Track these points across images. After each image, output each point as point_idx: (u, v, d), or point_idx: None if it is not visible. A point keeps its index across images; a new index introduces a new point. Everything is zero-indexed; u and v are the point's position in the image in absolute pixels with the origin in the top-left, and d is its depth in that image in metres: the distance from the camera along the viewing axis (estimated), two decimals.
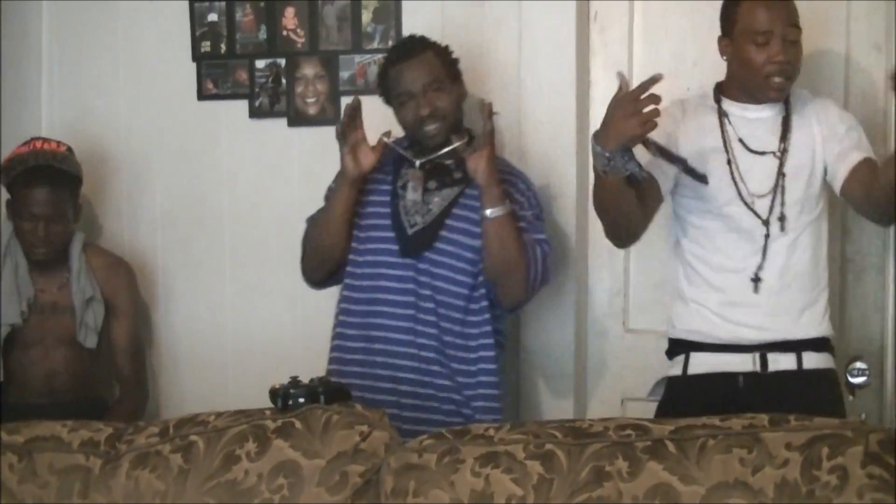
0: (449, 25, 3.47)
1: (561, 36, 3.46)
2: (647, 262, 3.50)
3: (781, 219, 2.84)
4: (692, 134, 2.93)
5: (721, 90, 2.97)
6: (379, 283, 3.08)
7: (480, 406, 3.04)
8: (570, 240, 3.46)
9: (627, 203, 2.80)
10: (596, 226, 3.47)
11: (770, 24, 2.81)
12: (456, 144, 3.02)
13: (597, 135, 2.66)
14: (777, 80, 2.84)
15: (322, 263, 3.16)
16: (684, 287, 2.97)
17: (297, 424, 2.35)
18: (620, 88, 2.63)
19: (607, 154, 2.62)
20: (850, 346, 3.24)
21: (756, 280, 2.84)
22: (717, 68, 3.32)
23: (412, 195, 3.06)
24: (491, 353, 3.07)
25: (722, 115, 2.93)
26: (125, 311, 3.63)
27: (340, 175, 3.07)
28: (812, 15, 3.26)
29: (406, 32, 3.52)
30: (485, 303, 3.07)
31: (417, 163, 3.06)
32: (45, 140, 3.53)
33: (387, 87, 3.12)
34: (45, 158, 3.45)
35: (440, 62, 3.10)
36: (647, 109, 2.57)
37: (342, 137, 3.01)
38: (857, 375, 3.05)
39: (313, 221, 3.17)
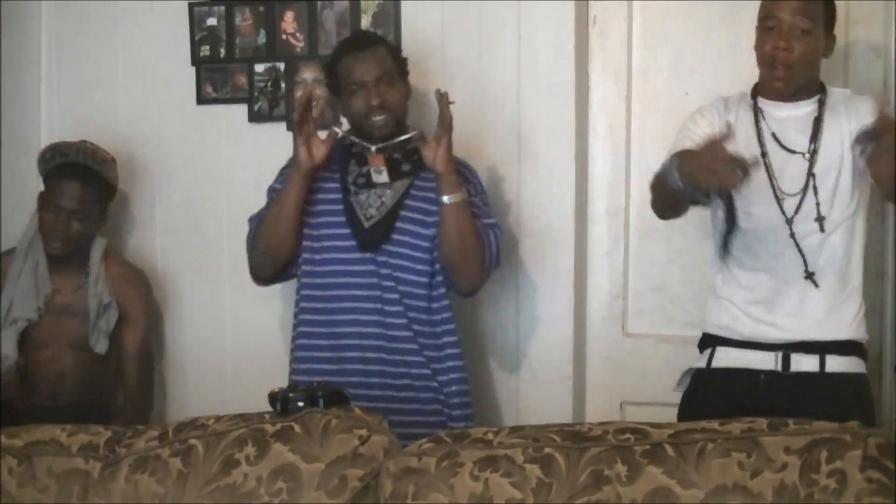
0: (448, 29, 3.48)
1: (560, 40, 3.46)
2: (646, 266, 3.51)
3: (819, 219, 2.81)
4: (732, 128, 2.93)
5: (756, 89, 2.97)
6: (341, 280, 3.11)
7: (455, 390, 3.13)
8: (568, 243, 3.46)
9: (681, 203, 2.78)
10: (594, 230, 3.50)
11: (779, 10, 2.81)
12: (412, 133, 3.07)
13: (678, 156, 2.64)
14: (778, 67, 2.83)
15: (273, 260, 3.16)
16: (718, 284, 2.97)
17: (297, 428, 2.35)
18: (724, 137, 2.56)
19: (680, 182, 2.60)
20: None
21: (809, 275, 2.82)
22: (716, 73, 3.35)
23: (379, 178, 3.09)
24: (454, 338, 3.15)
25: (757, 111, 2.93)
26: (137, 319, 3.63)
27: (292, 169, 3.10)
28: None
29: (406, 36, 3.54)
30: (443, 289, 3.14)
31: (373, 148, 3.07)
32: (94, 145, 3.57)
33: (336, 78, 3.16)
34: (84, 157, 3.48)
35: (391, 58, 3.17)
36: (729, 172, 2.50)
37: (298, 128, 3.04)
38: None
39: (261, 220, 3.17)
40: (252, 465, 2.33)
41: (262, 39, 3.71)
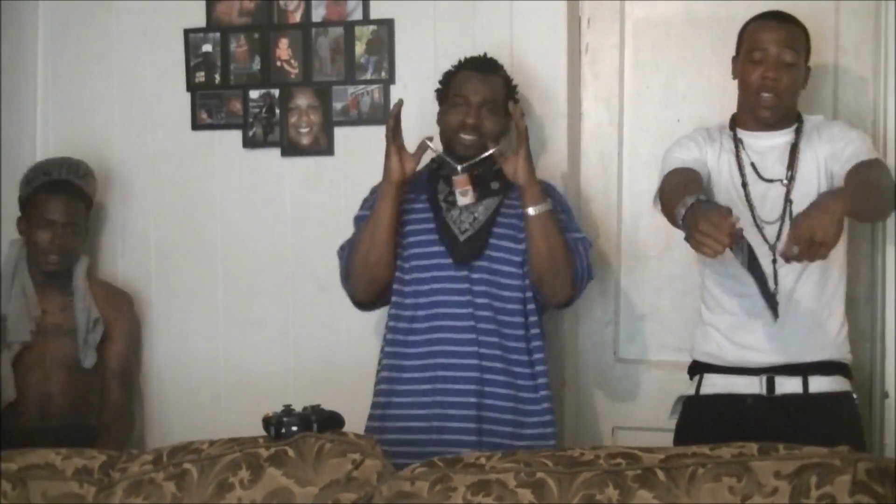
0: (441, 58, 3.49)
1: (553, 68, 3.50)
2: (638, 292, 3.53)
3: None
4: (712, 159, 3.01)
5: (735, 120, 3.04)
6: (437, 298, 3.09)
7: (537, 421, 3.08)
8: None
9: None
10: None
11: (766, 43, 2.91)
12: (492, 150, 3.05)
13: (690, 207, 2.67)
14: (765, 95, 2.92)
15: (373, 281, 3.13)
16: (703, 311, 3.03)
17: (290, 452, 2.36)
18: (724, 214, 2.58)
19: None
20: None
21: (773, 306, 2.81)
22: (706, 100, 3.38)
23: (464, 199, 3.09)
24: (543, 355, 3.12)
25: (737, 142, 3.00)
26: (121, 335, 3.66)
27: (383, 182, 3.06)
28: None
29: (399, 64, 3.57)
30: (533, 305, 3.12)
31: (459, 167, 3.08)
32: (74, 159, 3.64)
33: (447, 86, 3.18)
34: (68, 172, 3.54)
35: (505, 91, 3.19)
36: (709, 236, 2.55)
37: (390, 140, 3.03)
38: None
39: (355, 243, 3.14)
40: (246, 490, 2.34)
41: (256, 66, 3.73)
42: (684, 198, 2.69)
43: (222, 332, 3.76)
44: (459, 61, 3.23)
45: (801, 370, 2.88)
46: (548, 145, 3.49)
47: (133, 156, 3.86)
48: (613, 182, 3.57)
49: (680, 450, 2.22)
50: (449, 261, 3.09)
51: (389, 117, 3.04)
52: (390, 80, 3.62)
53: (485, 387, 3.05)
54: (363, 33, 3.63)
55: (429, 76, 3.50)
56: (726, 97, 3.22)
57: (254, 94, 3.73)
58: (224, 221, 3.73)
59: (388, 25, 3.61)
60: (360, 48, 3.63)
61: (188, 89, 3.79)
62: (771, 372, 2.89)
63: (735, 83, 3.05)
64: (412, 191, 3.16)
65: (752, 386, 2.90)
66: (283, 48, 3.71)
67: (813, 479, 2.06)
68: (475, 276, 3.08)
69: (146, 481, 2.42)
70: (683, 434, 2.98)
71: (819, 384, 2.89)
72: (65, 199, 3.52)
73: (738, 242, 2.60)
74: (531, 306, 3.10)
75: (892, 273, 3.29)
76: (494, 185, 3.14)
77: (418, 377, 3.08)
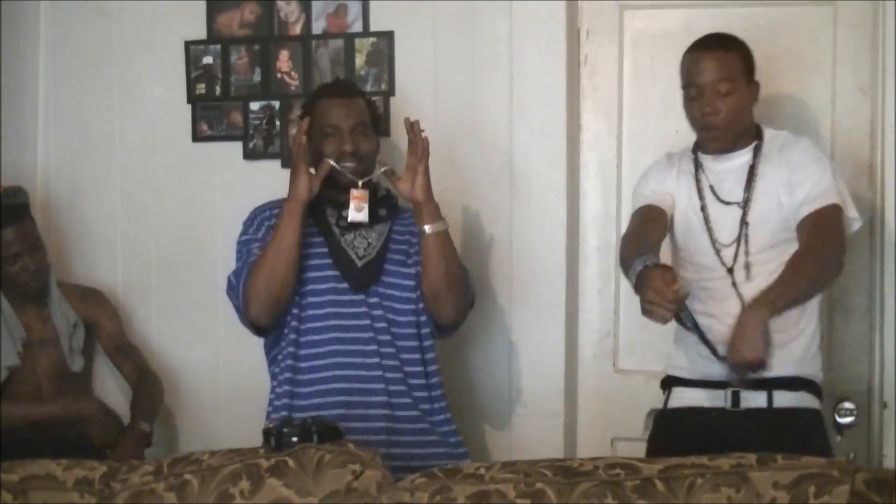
0: (441, 68, 3.52)
1: (552, 80, 3.51)
2: (637, 303, 3.53)
3: (746, 267, 2.88)
4: (674, 183, 3.02)
5: (697, 144, 3.04)
6: (336, 323, 3.06)
7: (449, 430, 3.11)
8: (559, 282, 3.50)
9: None
10: (586, 267, 3.53)
11: (698, 76, 2.90)
12: (385, 168, 3.09)
13: (636, 274, 2.74)
14: (709, 132, 2.92)
15: (278, 303, 3.03)
16: (676, 327, 3.00)
17: (291, 463, 2.37)
18: (667, 281, 2.64)
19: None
20: (838, 386, 3.27)
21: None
22: None
23: (357, 215, 3.04)
24: (439, 379, 3.14)
25: (697, 166, 3.00)
26: (107, 320, 3.73)
27: (290, 202, 3.01)
28: (798, 59, 3.33)
29: (399, 75, 3.58)
30: (428, 329, 3.13)
31: (360, 182, 3.04)
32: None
33: (312, 117, 3.10)
34: (8, 197, 3.50)
35: (368, 109, 3.19)
36: (655, 304, 2.64)
37: (296, 160, 3.01)
38: (845, 415, 3.10)
39: (255, 266, 3.03)
40: (246, 500, 2.34)
41: (257, 78, 3.75)
42: (634, 261, 2.73)
43: (222, 343, 3.77)
44: (315, 91, 3.26)
45: (766, 384, 2.86)
46: (547, 156, 3.50)
47: (134, 167, 3.87)
48: (612, 193, 3.59)
49: (678, 460, 2.22)
50: (345, 285, 3.07)
51: (298, 134, 3.01)
52: (390, 91, 3.63)
53: (394, 411, 3.05)
54: (363, 45, 3.65)
55: (429, 88, 3.52)
56: None
57: (254, 105, 3.75)
58: (224, 232, 3.73)
59: (387, 37, 3.62)
60: (360, 60, 3.65)
61: (189, 101, 3.81)
62: (736, 386, 2.88)
63: None
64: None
65: (717, 399, 2.90)
66: (284, 60, 3.73)
67: (811, 489, 2.06)
68: (372, 300, 3.07)
69: (146, 492, 2.42)
70: (654, 446, 2.99)
71: (784, 399, 2.87)
72: (18, 225, 3.49)
73: (682, 308, 2.73)
74: (425, 330, 3.12)
75: (890, 283, 3.30)
76: (382, 212, 3.14)
77: (320, 403, 3.03)
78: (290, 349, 3.08)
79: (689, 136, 3.18)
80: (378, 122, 3.26)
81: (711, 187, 2.97)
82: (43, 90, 3.96)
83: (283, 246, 2.99)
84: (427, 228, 3.01)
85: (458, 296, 3.08)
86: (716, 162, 2.98)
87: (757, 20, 3.19)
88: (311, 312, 3.07)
